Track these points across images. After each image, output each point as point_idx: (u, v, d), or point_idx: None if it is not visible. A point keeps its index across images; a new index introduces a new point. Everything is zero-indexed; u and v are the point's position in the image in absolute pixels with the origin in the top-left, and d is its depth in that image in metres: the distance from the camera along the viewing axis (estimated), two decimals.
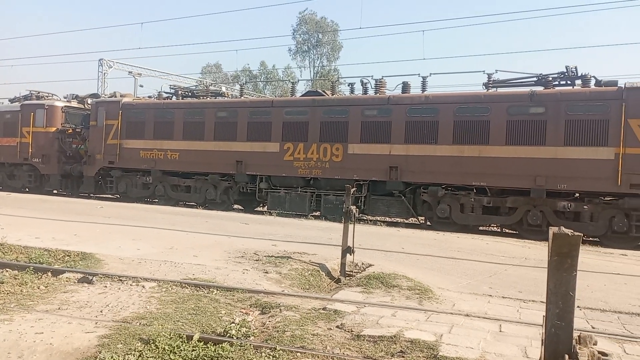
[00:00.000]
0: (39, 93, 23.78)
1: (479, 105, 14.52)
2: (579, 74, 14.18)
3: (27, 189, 22.88)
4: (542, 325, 2.84)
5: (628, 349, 4.82)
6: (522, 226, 14.07)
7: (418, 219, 16.13)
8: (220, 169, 18.18)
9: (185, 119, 18.96)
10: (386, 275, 7.39)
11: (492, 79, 15.09)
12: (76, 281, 6.94)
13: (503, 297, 6.76)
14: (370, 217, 15.74)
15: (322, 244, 10.09)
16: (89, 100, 22.74)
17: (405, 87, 16.11)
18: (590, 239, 13.52)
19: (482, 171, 14.23)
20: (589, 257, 10.24)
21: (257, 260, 8.38)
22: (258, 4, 69.69)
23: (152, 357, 4.42)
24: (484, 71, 15.22)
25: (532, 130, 13.77)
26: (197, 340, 4.71)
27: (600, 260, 10.20)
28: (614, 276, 8.45)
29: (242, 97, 21.01)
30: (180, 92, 21.14)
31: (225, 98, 21.06)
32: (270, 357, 4.48)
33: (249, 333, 5.03)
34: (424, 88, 15.89)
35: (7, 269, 7.36)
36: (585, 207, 13.32)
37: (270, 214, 16.50)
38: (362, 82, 16.72)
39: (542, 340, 2.73)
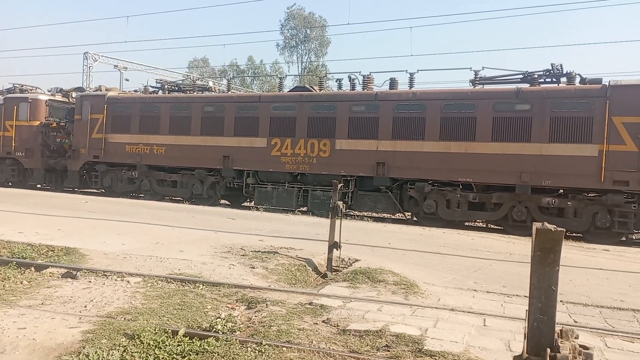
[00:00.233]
0: (22, 86, 23.45)
1: (466, 102, 14.61)
2: (564, 72, 14.34)
3: (10, 184, 22.55)
4: (525, 320, 2.87)
5: (609, 342, 4.90)
6: (507, 222, 14.21)
7: (405, 215, 16.23)
8: (207, 163, 18.08)
9: (171, 113, 18.81)
10: (372, 270, 7.42)
11: (478, 76, 15.18)
12: (60, 276, 6.87)
13: (488, 291, 6.82)
14: (357, 213, 15.78)
15: (309, 239, 10.09)
16: (74, 94, 22.43)
17: (393, 83, 16.15)
18: (574, 234, 13.71)
19: (469, 167, 14.35)
20: (572, 253, 10.38)
21: (243, 256, 8.36)
22: None
23: (137, 352, 4.39)
24: (470, 68, 15.31)
25: (518, 127, 13.90)
26: (183, 335, 4.69)
27: (583, 255, 10.34)
28: (596, 271, 8.58)
29: (230, 92, 20.90)
30: (166, 86, 20.92)
31: (213, 93, 20.94)
32: (256, 351, 4.47)
33: (235, 328, 5.02)
34: (411, 84, 15.95)
35: None
36: (569, 203, 13.51)
37: (258, 209, 16.46)
38: (349, 78, 16.69)
39: (525, 334, 2.77)
